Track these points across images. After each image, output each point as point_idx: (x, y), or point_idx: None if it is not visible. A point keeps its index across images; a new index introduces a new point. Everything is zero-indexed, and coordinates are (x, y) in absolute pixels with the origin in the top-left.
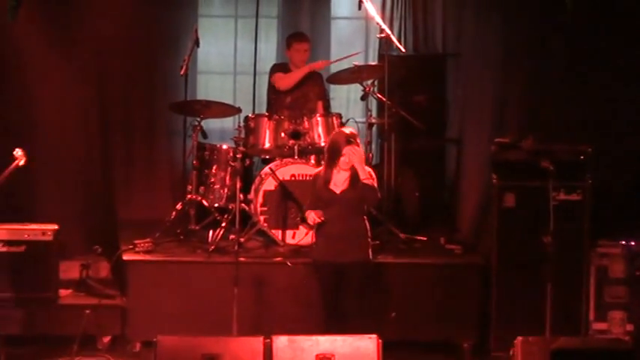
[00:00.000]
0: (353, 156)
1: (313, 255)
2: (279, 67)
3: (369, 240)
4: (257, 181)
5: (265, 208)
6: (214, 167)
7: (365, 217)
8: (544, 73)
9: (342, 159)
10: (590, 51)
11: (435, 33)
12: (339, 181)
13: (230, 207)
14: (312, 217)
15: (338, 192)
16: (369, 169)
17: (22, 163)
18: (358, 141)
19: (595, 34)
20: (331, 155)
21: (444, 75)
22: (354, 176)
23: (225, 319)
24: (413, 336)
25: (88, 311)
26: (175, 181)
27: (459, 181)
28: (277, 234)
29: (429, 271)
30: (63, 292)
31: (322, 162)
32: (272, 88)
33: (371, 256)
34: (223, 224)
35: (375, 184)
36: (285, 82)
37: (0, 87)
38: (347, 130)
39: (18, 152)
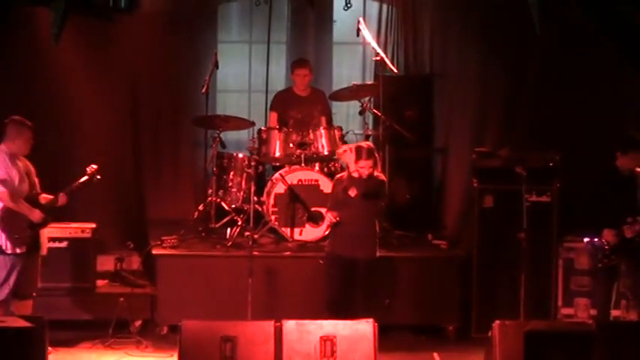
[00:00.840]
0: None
1: (328, 248)
2: (278, 98)
3: (377, 240)
4: (269, 185)
5: (276, 209)
6: (232, 173)
7: (376, 220)
8: (518, 91)
9: (360, 170)
10: (558, 70)
11: (424, 56)
12: (355, 187)
13: (245, 208)
14: (329, 217)
15: (353, 195)
16: (380, 174)
17: (91, 178)
18: (368, 163)
19: (562, 56)
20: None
21: (431, 92)
22: (369, 179)
23: (241, 306)
24: (404, 320)
25: (121, 299)
26: (198, 185)
27: (445, 185)
28: (286, 231)
29: (418, 263)
30: (100, 282)
31: (325, 168)
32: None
33: (377, 254)
34: (239, 223)
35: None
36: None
37: (44, 104)
38: (356, 144)
39: (92, 167)
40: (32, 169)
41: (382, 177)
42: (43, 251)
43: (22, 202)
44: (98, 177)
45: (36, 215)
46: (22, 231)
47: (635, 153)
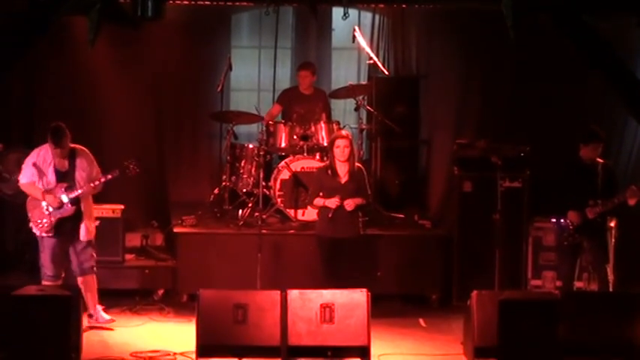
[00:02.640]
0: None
1: (317, 230)
2: (284, 94)
3: (360, 220)
4: (275, 172)
5: (282, 193)
6: (243, 161)
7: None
8: (494, 89)
9: (335, 150)
10: (529, 72)
11: (411, 60)
12: (341, 173)
13: (255, 192)
14: (334, 201)
15: (342, 182)
16: (360, 165)
17: (123, 171)
18: (345, 141)
19: (533, 59)
20: (330, 151)
21: (417, 91)
22: (352, 170)
23: (252, 277)
24: (393, 290)
25: (147, 271)
26: (213, 172)
27: (429, 172)
28: (291, 212)
29: (405, 241)
30: (128, 256)
31: (325, 158)
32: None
33: (361, 232)
34: (250, 205)
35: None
36: (268, 116)
37: (81, 99)
38: (341, 132)
39: (128, 161)
40: (83, 163)
41: (360, 166)
42: (81, 237)
43: (36, 189)
44: (135, 171)
45: (47, 200)
46: (43, 216)
47: (595, 144)
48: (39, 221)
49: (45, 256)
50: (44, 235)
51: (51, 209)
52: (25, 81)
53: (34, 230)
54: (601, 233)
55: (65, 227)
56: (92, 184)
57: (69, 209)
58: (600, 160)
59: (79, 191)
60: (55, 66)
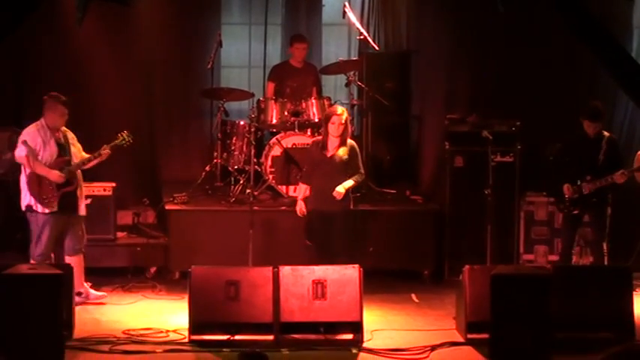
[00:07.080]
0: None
1: (308, 204)
2: (276, 70)
3: (350, 194)
4: (267, 148)
5: (273, 169)
6: (234, 138)
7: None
8: (484, 64)
9: (330, 126)
10: (519, 46)
11: (401, 35)
12: (331, 147)
13: (246, 168)
14: (298, 209)
15: (329, 155)
16: (353, 142)
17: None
18: (340, 119)
19: (523, 33)
20: (324, 126)
21: (408, 67)
22: (342, 146)
23: (243, 254)
24: (385, 266)
25: (138, 249)
26: (204, 149)
27: (420, 148)
28: (282, 189)
29: (397, 216)
30: (120, 234)
31: (317, 134)
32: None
33: (352, 206)
34: (241, 182)
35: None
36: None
37: (70, 79)
38: (336, 109)
39: (124, 133)
40: (73, 139)
41: (353, 142)
42: (81, 212)
43: (40, 165)
44: (130, 141)
45: (53, 175)
46: (49, 192)
47: (590, 122)
48: (44, 197)
49: (43, 234)
50: (47, 211)
51: (55, 184)
52: (14, 58)
53: (36, 207)
54: (602, 209)
55: (67, 202)
56: (101, 152)
57: (74, 183)
58: (606, 134)
59: (106, 150)
60: (46, 43)
